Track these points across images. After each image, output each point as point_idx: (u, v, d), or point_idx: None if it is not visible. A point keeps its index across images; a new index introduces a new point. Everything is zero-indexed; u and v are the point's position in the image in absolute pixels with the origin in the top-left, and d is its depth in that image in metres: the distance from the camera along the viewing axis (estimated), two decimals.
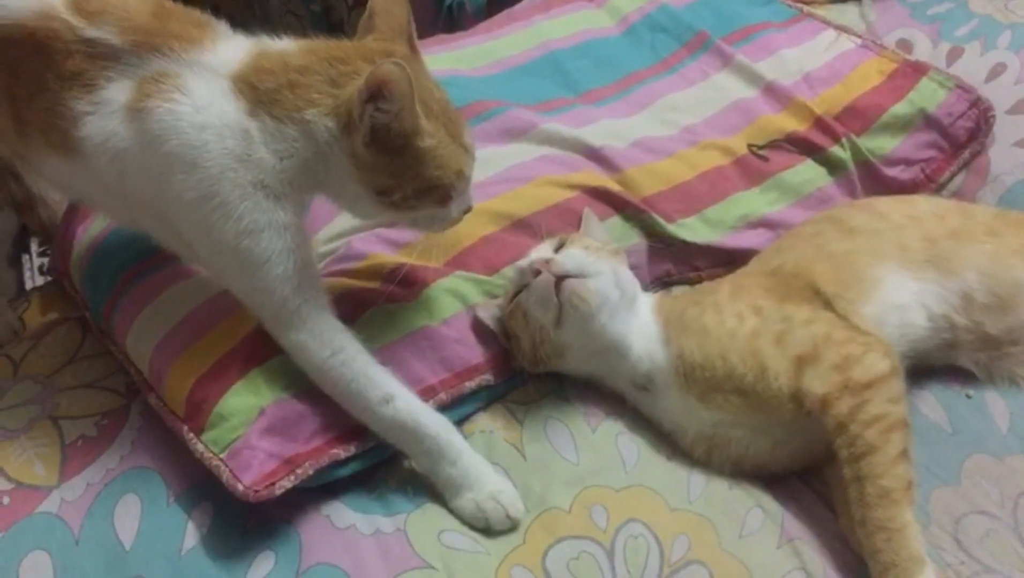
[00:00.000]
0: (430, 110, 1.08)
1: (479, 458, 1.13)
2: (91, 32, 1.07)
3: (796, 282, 1.19)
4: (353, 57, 1.07)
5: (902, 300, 1.17)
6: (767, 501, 1.12)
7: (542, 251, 1.21)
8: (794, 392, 1.09)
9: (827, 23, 1.68)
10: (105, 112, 1.06)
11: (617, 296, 1.18)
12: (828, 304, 1.16)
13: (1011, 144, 1.47)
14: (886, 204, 1.30)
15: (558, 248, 1.21)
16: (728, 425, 1.14)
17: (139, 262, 1.29)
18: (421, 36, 2.06)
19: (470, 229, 1.30)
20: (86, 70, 1.06)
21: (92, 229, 1.39)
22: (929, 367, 1.20)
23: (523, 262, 1.21)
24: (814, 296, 1.17)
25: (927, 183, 1.49)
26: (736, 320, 1.15)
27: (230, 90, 1.06)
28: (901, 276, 1.18)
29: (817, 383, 1.08)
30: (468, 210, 1.16)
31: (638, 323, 1.21)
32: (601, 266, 1.17)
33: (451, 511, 1.12)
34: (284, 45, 1.10)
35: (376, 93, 1.02)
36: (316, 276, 1.13)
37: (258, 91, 1.05)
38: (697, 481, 1.14)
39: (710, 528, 1.09)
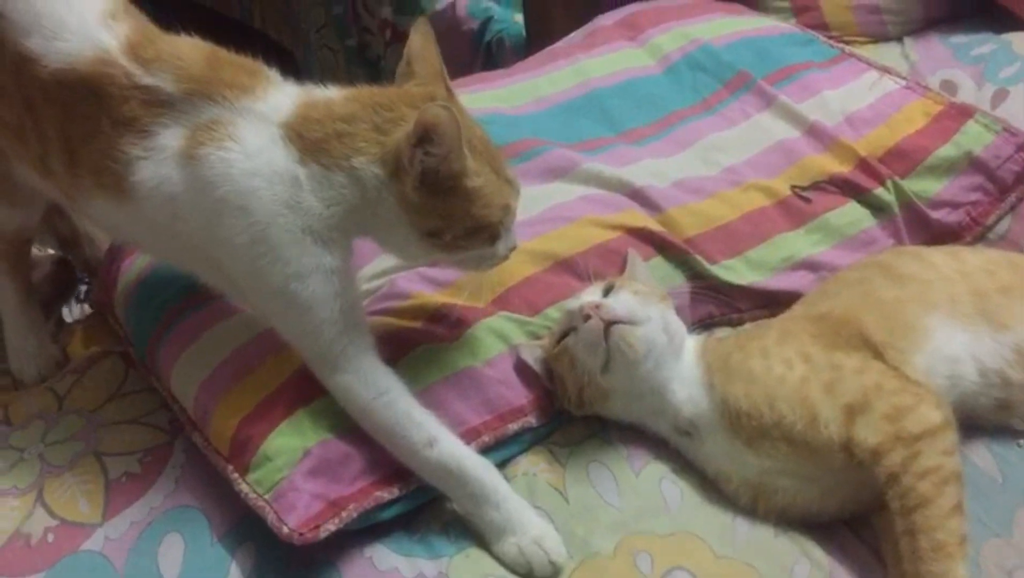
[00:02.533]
0: (474, 148, 1.09)
1: (522, 502, 1.13)
2: (147, 79, 1.09)
3: (845, 329, 1.17)
4: (397, 103, 1.09)
5: (953, 351, 1.16)
6: (814, 551, 1.10)
7: (591, 294, 1.21)
8: (845, 442, 1.08)
9: (870, 63, 1.68)
10: (158, 157, 1.07)
11: (665, 342, 1.17)
12: (878, 353, 1.14)
13: None
14: (935, 255, 1.29)
15: (607, 292, 1.21)
16: (775, 473, 1.13)
17: (184, 298, 1.30)
18: (460, 73, 2.09)
19: (513, 269, 1.30)
20: (140, 116, 1.08)
21: (137, 264, 1.40)
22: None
23: (572, 305, 1.20)
24: (863, 344, 1.15)
25: (973, 226, 1.48)
26: (784, 366, 1.14)
27: (280, 138, 1.07)
28: (951, 327, 1.17)
29: (869, 433, 1.07)
30: (514, 248, 1.17)
31: (682, 368, 1.20)
32: (650, 312, 1.17)
33: (493, 555, 1.11)
34: (329, 94, 1.12)
35: (424, 137, 1.03)
36: (362, 318, 1.14)
37: (306, 140, 1.07)
38: (742, 527, 1.13)
39: (757, 577, 1.08)
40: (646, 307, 1.18)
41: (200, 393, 1.19)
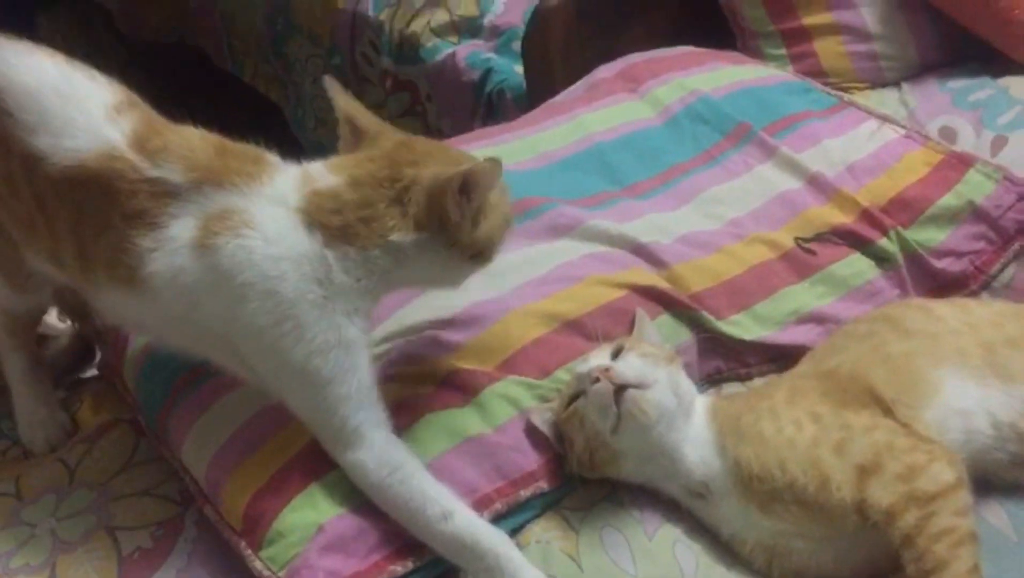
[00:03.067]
0: None
1: (536, 572, 1.12)
2: (154, 172, 1.09)
3: (853, 386, 1.18)
4: (395, 169, 1.12)
5: (965, 405, 1.15)
6: None
7: (599, 357, 1.21)
8: (858, 503, 1.08)
9: (869, 112, 1.69)
10: (171, 249, 1.08)
11: (675, 405, 1.17)
12: (888, 410, 1.14)
13: None
14: (942, 307, 1.29)
15: (616, 354, 1.21)
16: (789, 535, 1.13)
17: (195, 368, 1.29)
18: (461, 124, 2.11)
19: (521, 332, 1.30)
20: (150, 208, 1.09)
21: None
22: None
23: (582, 368, 1.21)
24: (873, 401, 1.15)
25: (977, 275, 1.48)
26: (794, 428, 1.14)
27: (300, 223, 1.09)
28: (962, 380, 1.17)
29: (881, 494, 1.06)
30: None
31: (693, 429, 1.20)
32: (659, 374, 1.17)
33: None
34: (329, 182, 1.13)
35: (465, 188, 1.09)
36: (375, 392, 1.14)
37: (330, 228, 1.09)
38: None
39: None
40: (655, 369, 1.18)
41: (212, 466, 1.19)
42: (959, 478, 1.07)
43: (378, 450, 1.10)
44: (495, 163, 1.10)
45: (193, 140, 1.13)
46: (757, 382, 1.34)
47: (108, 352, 1.51)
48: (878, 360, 1.21)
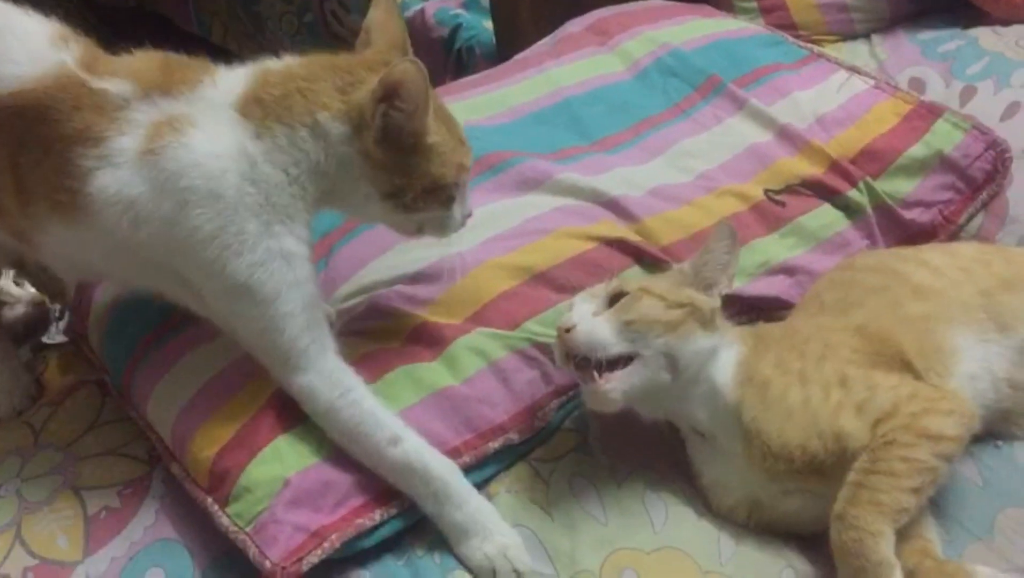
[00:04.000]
0: (432, 108, 1.12)
1: (486, 504, 1.13)
2: (101, 84, 1.09)
3: (886, 349, 1.14)
4: (356, 67, 1.12)
5: (973, 369, 1.14)
6: (797, 561, 1.11)
7: (587, 301, 1.14)
8: (866, 444, 1.05)
9: (839, 64, 1.68)
10: (116, 161, 1.07)
11: (662, 380, 1.11)
12: (919, 378, 1.12)
13: None
14: (935, 256, 1.27)
15: (613, 299, 1.13)
16: (785, 493, 1.12)
17: (157, 326, 1.29)
18: (431, 80, 2.07)
19: (490, 284, 1.29)
20: (94, 123, 1.07)
21: (108, 292, 1.38)
22: None
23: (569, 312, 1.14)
24: (905, 367, 1.13)
25: (946, 225, 1.48)
26: (822, 394, 1.09)
27: (236, 117, 1.09)
28: (971, 341, 1.15)
29: (886, 427, 1.05)
30: (469, 215, 1.21)
31: (708, 388, 1.13)
32: (639, 346, 1.08)
33: (457, 557, 1.11)
34: (286, 60, 1.14)
35: (392, 93, 1.07)
36: (322, 315, 1.15)
37: (265, 102, 1.09)
38: (727, 542, 1.13)
39: None
40: (631, 342, 1.09)
41: (177, 423, 1.18)
42: (962, 437, 1.06)
43: (328, 373, 1.11)
44: (415, 64, 1.05)
45: (139, 59, 1.13)
46: (793, 330, 1.23)
47: (74, 315, 1.49)
48: (900, 323, 1.17)
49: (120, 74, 1.11)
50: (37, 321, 1.59)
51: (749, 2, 1.90)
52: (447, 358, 1.23)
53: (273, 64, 1.14)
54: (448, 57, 2.13)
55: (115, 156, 1.07)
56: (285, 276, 1.09)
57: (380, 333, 1.26)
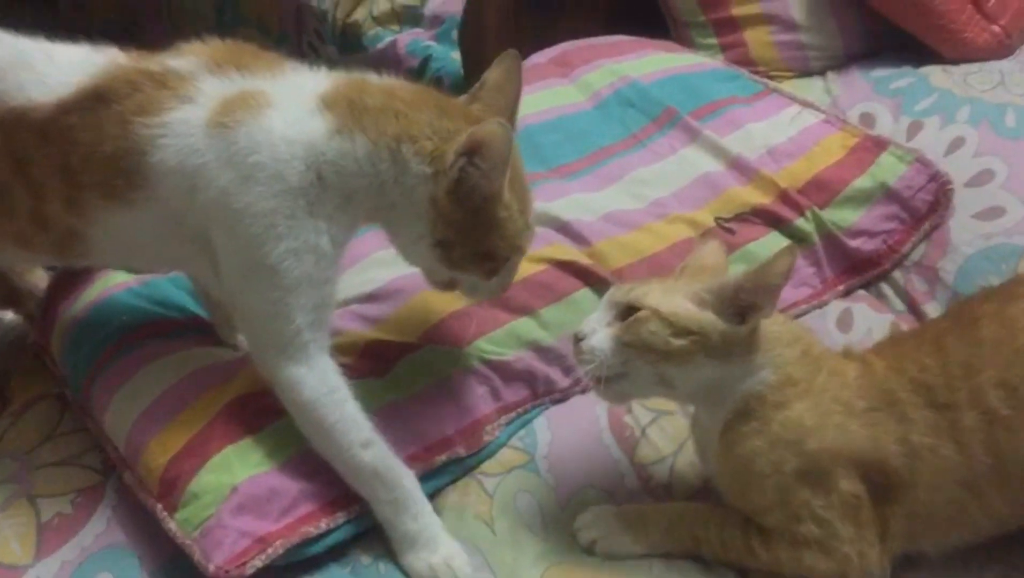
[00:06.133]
0: (513, 184, 1.15)
1: (437, 519, 1.16)
2: (159, 63, 1.13)
3: None
4: (458, 115, 1.14)
5: None
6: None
7: (595, 318, 1.13)
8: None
9: (792, 98, 1.74)
10: (180, 131, 1.10)
11: (658, 393, 1.14)
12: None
13: (970, 216, 1.52)
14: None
15: (626, 312, 1.10)
16: None
17: (120, 338, 1.32)
18: None
19: (439, 304, 1.33)
20: (156, 97, 1.11)
21: (75, 306, 1.41)
22: None
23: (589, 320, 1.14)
24: None
25: (890, 254, 1.53)
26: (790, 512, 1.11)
27: (319, 108, 1.11)
28: None
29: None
30: (504, 290, 1.23)
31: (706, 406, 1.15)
32: (630, 368, 1.09)
33: (402, 568, 1.14)
34: (391, 79, 1.17)
35: (475, 149, 1.09)
36: (328, 321, 1.17)
37: (357, 107, 1.11)
38: (658, 566, 1.14)
39: None
40: (625, 360, 1.09)
41: (132, 433, 1.21)
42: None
43: (320, 369, 1.14)
44: (503, 128, 1.07)
45: (206, 42, 1.17)
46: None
47: (37, 327, 1.52)
48: None
49: (183, 54, 1.15)
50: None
51: (709, 39, 1.96)
52: (396, 374, 1.27)
53: (374, 77, 1.17)
54: None
55: (179, 125, 1.10)
56: (311, 271, 1.11)
57: (333, 350, 1.29)
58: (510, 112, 1.19)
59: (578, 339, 1.11)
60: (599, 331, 1.10)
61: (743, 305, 1.07)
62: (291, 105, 1.11)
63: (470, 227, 1.13)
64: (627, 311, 1.09)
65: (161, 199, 1.12)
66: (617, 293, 1.13)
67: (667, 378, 1.09)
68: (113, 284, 1.42)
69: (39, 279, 1.58)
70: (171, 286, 1.43)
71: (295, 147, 1.09)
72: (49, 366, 1.46)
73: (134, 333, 1.33)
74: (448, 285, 1.23)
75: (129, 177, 1.12)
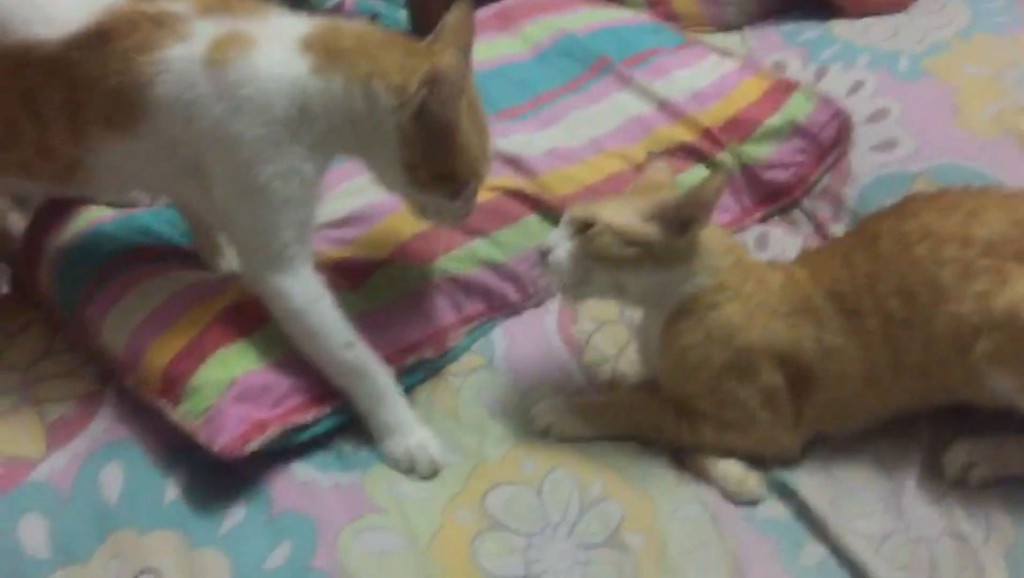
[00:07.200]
0: (471, 115, 1.27)
1: (410, 410, 1.31)
2: (156, 5, 1.24)
3: None
4: (421, 53, 1.26)
5: None
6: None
7: (557, 234, 1.27)
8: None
9: (712, 48, 1.91)
10: (177, 68, 1.21)
11: (614, 297, 1.31)
12: None
13: (868, 148, 1.71)
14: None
15: (583, 227, 1.24)
16: None
17: (111, 262, 1.43)
18: None
19: (405, 227, 1.48)
20: (155, 35, 1.22)
21: (61, 239, 1.51)
22: None
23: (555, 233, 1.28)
24: None
25: (800, 183, 1.73)
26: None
27: (299, 49, 1.23)
28: None
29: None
30: (468, 214, 1.36)
31: (652, 309, 1.30)
32: (589, 277, 1.25)
33: (381, 453, 1.29)
34: (363, 24, 1.30)
35: (434, 79, 1.20)
36: (310, 237, 1.30)
37: (332, 49, 1.23)
38: (604, 445, 1.31)
39: (619, 472, 1.27)
40: (585, 270, 1.24)
41: (131, 341, 1.33)
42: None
43: (304, 279, 1.27)
44: (457, 60, 1.20)
45: None
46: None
47: (20, 264, 1.61)
48: None
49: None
50: None
51: None
52: (369, 286, 1.41)
53: (348, 22, 1.29)
54: None
55: (176, 61, 1.21)
56: (296, 192, 1.24)
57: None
58: (466, 51, 1.32)
59: (543, 253, 1.27)
60: (561, 245, 1.26)
61: (683, 219, 1.22)
62: (275, 45, 1.24)
63: (432, 151, 1.25)
64: (584, 226, 1.24)
65: (159, 129, 1.24)
66: (575, 210, 1.27)
67: (620, 283, 1.25)
68: (96, 217, 1.53)
69: (15, 221, 1.68)
70: (153, 219, 1.54)
71: (280, 83, 1.22)
72: (35, 300, 1.54)
73: (123, 258, 1.44)
74: (423, 212, 1.36)
75: (131, 109, 1.23)
